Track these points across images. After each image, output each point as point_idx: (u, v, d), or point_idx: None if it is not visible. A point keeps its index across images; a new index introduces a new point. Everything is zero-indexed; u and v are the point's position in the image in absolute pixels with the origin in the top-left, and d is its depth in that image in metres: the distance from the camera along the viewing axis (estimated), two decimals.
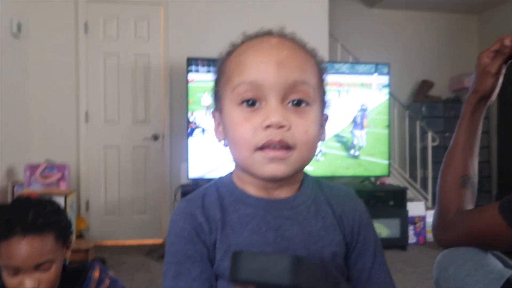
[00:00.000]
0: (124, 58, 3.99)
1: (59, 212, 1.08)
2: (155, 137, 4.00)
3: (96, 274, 1.11)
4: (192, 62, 3.54)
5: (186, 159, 3.55)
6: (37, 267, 1.00)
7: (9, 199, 3.35)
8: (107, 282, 1.11)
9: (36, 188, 3.28)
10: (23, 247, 0.98)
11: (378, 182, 3.99)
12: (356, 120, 3.82)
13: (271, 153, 0.66)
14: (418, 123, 4.58)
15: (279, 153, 0.66)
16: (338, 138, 3.80)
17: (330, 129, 3.71)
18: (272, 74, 0.66)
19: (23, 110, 3.71)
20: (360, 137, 3.81)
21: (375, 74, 3.87)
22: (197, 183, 3.46)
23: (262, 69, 0.67)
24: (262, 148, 0.66)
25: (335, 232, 0.73)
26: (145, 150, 4.02)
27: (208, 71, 3.53)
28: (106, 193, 3.97)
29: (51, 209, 1.06)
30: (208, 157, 3.48)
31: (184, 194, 3.39)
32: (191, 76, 3.54)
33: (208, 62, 3.51)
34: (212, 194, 0.74)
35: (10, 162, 3.42)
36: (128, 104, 4.00)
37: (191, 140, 3.51)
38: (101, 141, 3.95)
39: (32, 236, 0.99)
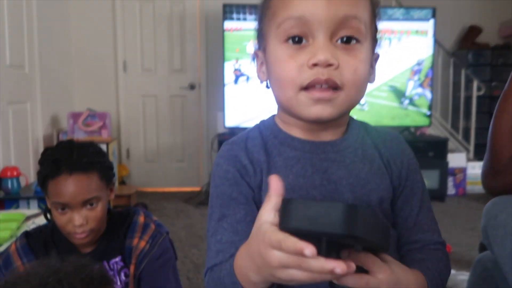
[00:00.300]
0: (160, 5, 3.94)
1: (101, 154, 1.11)
2: (192, 86, 4.01)
3: (141, 219, 1.13)
4: (228, 9, 3.45)
5: (222, 108, 3.55)
6: (84, 203, 1.03)
7: None
8: (152, 226, 1.13)
9: (79, 135, 3.40)
10: (70, 184, 1.02)
11: (418, 133, 3.89)
12: (418, 77, 3.68)
13: (316, 94, 0.62)
14: (463, 71, 4.36)
15: (326, 94, 0.62)
16: (387, 87, 3.67)
17: (378, 77, 3.61)
18: (320, 8, 0.61)
19: (65, 60, 3.78)
20: (422, 93, 3.69)
21: (432, 20, 3.65)
22: (234, 132, 3.48)
23: (310, 3, 0.62)
24: (307, 88, 0.63)
25: (383, 177, 0.71)
26: (182, 99, 4.05)
27: (256, 19, 3.46)
28: (146, 142, 4.07)
29: (94, 150, 1.09)
30: (246, 106, 3.47)
31: (220, 143, 3.43)
32: (235, 24, 3.47)
33: (256, 9, 3.42)
34: (256, 137, 0.73)
35: (54, 111, 3.54)
36: (164, 53, 4.00)
37: (228, 89, 3.50)
38: (139, 90, 4.01)
39: (78, 174, 1.02)
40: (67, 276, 0.52)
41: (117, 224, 1.13)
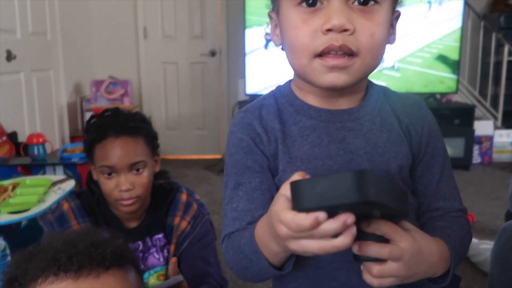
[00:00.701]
0: None
1: (146, 121, 1.10)
2: (212, 53, 3.98)
3: (183, 197, 1.12)
4: None
5: (243, 75, 3.52)
6: (131, 167, 1.03)
7: (78, 113, 3.55)
8: (195, 206, 1.11)
9: (102, 103, 3.43)
10: (117, 147, 1.01)
11: (444, 100, 3.78)
12: None
13: (331, 61, 0.59)
14: (494, 35, 4.18)
15: (340, 61, 0.59)
16: (422, 53, 3.52)
17: (413, 43, 3.46)
18: None
19: (86, 27, 3.78)
20: None
21: None
22: (255, 99, 3.45)
23: None
24: (321, 54, 0.60)
25: (402, 144, 0.69)
26: (202, 66, 4.03)
27: None
28: (167, 109, 4.09)
29: (139, 117, 1.09)
30: (268, 72, 3.42)
31: None
32: None
33: None
34: (271, 104, 0.71)
35: (77, 78, 3.57)
36: (185, 19, 3.95)
37: (250, 56, 3.45)
38: (159, 58, 4.00)
39: (124, 136, 1.02)
40: (77, 254, 0.52)
41: (161, 200, 1.11)
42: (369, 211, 0.50)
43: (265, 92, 0.76)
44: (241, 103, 3.55)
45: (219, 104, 4.07)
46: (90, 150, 1.05)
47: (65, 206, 1.08)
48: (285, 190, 0.49)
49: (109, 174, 1.03)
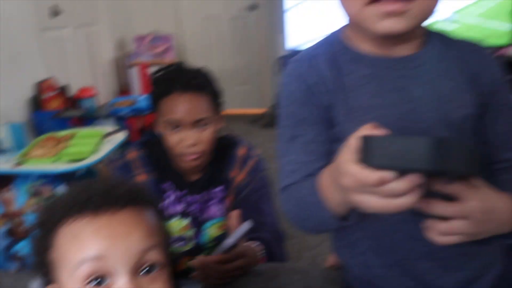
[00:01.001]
0: None
1: (211, 78, 1.10)
2: (252, 7, 3.89)
3: (241, 151, 1.13)
4: None
5: (283, 30, 3.43)
6: (196, 123, 1.04)
7: (124, 68, 3.62)
8: (253, 160, 1.13)
9: (145, 58, 3.47)
10: (183, 102, 1.03)
11: (496, 54, 3.57)
12: None
13: (387, 7, 0.56)
14: None
15: (397, 6, 0.56)
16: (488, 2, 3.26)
17: None
18: None
19: None
20: None
21: None
22: (296, 53, 3.38)
23: None
24: (376, 0, 0.57)
25: (467, 93, 0.65)
26: (243, 21, 3.96)
27: None
28: (208, 64, 4.06)
29: (204, 73, 1.09)
30: (310, 25, 3.31)
31: (284, 64, 3.36)
32: None
33: None
34: (324, 53, 0.68)
35: (120, 34, 3.61)
36: None
37: (291, 9, 3.34)
38: (200, 12, 3.95)
39: (190, 92, 1.03)
40: (95, 195, 0.56)
41: (222, 153, 1.12)
42: (442, 175, 0.49)
43: (307, 46, 0.73)
44: (283, 58, 3.49)
45: (261, 58, 4.02)
46: (156, 103, 1.07)
47: (130, 155, 1.11)
48: (354, 141, 0.47)
49: (174, 128, 1.04)
